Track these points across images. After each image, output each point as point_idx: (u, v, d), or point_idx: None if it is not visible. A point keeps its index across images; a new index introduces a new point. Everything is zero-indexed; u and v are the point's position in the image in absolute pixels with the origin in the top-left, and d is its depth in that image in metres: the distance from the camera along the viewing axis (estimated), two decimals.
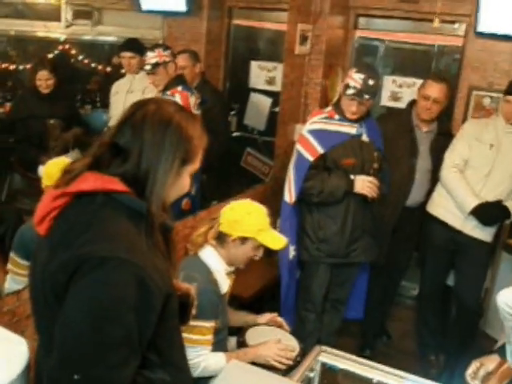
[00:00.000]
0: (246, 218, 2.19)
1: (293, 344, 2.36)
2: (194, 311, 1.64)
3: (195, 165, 1.38)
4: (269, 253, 2.29)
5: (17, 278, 2.36)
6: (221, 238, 2.23)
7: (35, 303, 1.38)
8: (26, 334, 2.10)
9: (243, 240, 2.20)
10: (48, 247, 1.28)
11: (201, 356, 2.11)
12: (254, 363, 2.17)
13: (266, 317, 2.52)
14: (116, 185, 1.26)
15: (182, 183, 1.38)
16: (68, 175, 1.30)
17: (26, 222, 2.63)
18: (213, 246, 2.25)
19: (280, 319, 2.52)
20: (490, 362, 2.06)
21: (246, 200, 2.33)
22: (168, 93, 3.24)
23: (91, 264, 1.17)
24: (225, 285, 2.26)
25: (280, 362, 2.21)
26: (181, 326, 1.54)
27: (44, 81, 3.64)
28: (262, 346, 2.25)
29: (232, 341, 2.43)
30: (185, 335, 2.03)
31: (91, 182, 1.26)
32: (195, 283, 1.68)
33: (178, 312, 1.51)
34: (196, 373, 2.08)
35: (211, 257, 2.23)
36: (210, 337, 2.14)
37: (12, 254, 2.36)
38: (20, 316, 2.14)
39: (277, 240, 2.26)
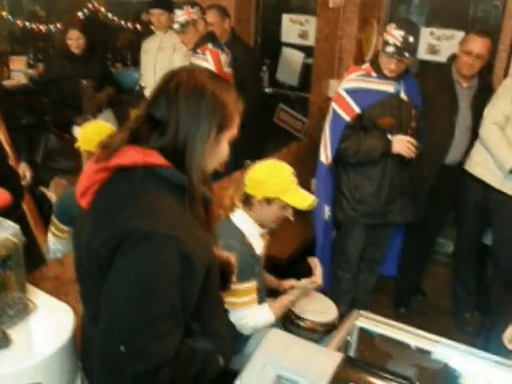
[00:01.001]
0: (269, 178, 2.18)
1: (331, 308, 2.39)
2: (234, 278, 1.66)
3: (233, 131, 1.38)
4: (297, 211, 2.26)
5: (59, 241, 2.42)
6: (247, 200, 2.23)
7: (80, 274, 1.41)
8: (69, 298, 2.16)
9: (268, 201, 2.19)
10: (91, 221, 1.30)
11: (245, 317, 2.16)
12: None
13: (288, 283, 2.52)
14: (156, 158, 1.26)
15: (221, 151, 1.37)
16: (107, 149, 1.30)
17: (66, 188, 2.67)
18: (243, 209, 2.25)
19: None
20: None
21: (271, 160, 2.32)
22: (198, 51, 3.19)
23: (134, 239, 1.18)
24: (259, 247, 2.27)
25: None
26: (221, 292, 1.56)
27: (75, 40, 3.62)
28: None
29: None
30: (232, 299, 2.09)
31: (131, 155, 1.26)
32: (234, 251, 1.68)
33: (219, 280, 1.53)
34: (247, 332, 2.18)
35: (243, 220, 2.24)
36: (254, 296, 2.19)
37: (53, 218, 2.41)
38: (63, 281, 2.19)
39: (303, 199, 2.21)
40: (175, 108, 1.27)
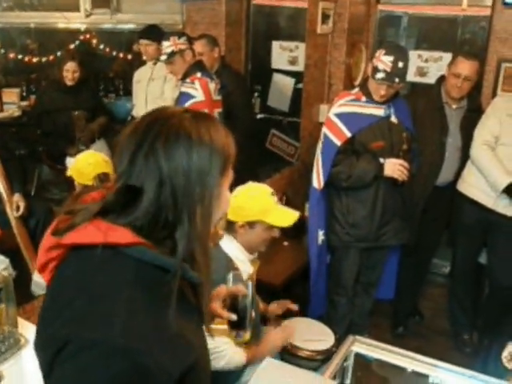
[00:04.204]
0: (248, 202, 2.17)
1: (328, 335, 2.37)
2: (253, 314, 1.56)
3: (230, 173, 1.12)
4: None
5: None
6: (230, 227, 2.21)
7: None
8: None
9: (250, 224, 2.18)
10: (43, 307, 1.07)
11: (226, 344, 2.07)
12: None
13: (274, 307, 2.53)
14: (121, 236, 0.99)
15: (224, 202, 1.12)
16: (70, 217, 1.04)
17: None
18: (230, 235, 2.23)
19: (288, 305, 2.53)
20: None
21: (249, 184, 2.30)
22: (187, 80, 3.21)
23: (75, 348, 0.92)
24: (246, 272, 2.21)
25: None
26: (240, 331, 1.50)
27: (71, 72, 3.64)
28: (271, 337, 2.26)
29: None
30: (212, 326, 2.04)
31: (89, 233, 0.99)
32: (250, 282, 1.57)
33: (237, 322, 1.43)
34: (220, 364, 2.06)
35: (229, 244, 2.21)
36: None
37: None
38: None
39: (285, 217, 2.19)
40: (155, 169, 1.00)
